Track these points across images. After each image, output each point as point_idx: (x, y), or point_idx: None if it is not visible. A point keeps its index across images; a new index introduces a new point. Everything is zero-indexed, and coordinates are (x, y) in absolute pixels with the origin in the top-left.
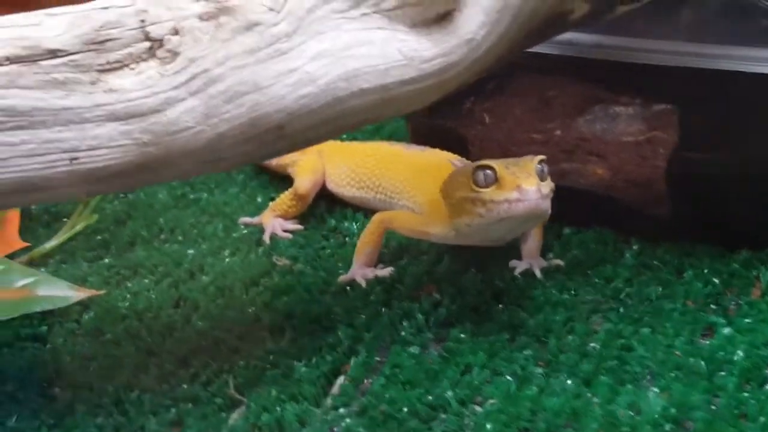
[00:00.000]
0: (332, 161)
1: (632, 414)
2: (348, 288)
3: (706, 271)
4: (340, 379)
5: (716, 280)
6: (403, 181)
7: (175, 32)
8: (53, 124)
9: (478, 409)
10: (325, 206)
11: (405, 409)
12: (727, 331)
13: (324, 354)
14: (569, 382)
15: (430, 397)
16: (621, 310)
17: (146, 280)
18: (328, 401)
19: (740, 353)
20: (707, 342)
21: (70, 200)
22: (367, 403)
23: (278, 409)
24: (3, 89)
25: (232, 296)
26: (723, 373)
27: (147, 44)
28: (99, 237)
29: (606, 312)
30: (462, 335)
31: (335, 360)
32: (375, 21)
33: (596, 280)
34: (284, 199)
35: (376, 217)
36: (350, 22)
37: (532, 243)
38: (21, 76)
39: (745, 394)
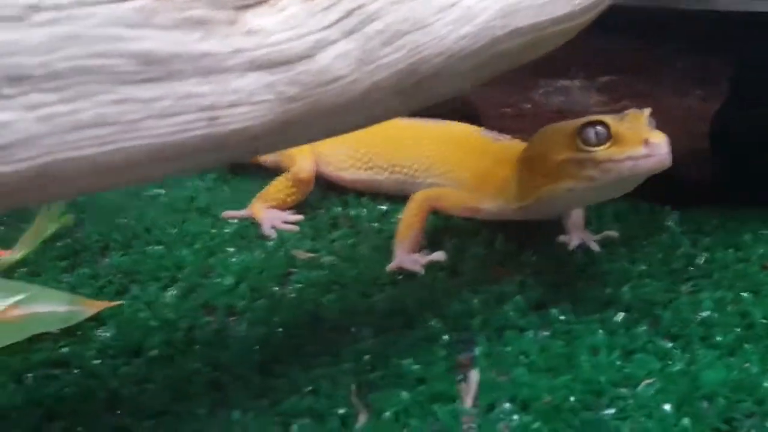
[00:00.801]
0: (326, 142)
1: None
2: (400, 277)
3: (765, 232)
4: (474, 375)
5: None
6: (430, 157)
7: None
8: (191, 75)
9: (638, 390)
10: (319, 193)
11: (572, 398)
12: None
13: (431, 348)
14: (712, 354)
15: (582, 384)
16: (712, 276)
17: (152, 287)
18: (471, 399)
19: None
20: None
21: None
22: (523, 396)
23: (419, 411)
24: (137, 29)
25: (272, 296)
26: None
27: None
28: (60, 243)
29: (695, 280)
30: (563, 316)
31: (449, 354)
32: None
33: (655, 250)
34: (280, 187)
35: (417, 197)
36: None
37: (577, 217)
38: (156, 13)
39: None
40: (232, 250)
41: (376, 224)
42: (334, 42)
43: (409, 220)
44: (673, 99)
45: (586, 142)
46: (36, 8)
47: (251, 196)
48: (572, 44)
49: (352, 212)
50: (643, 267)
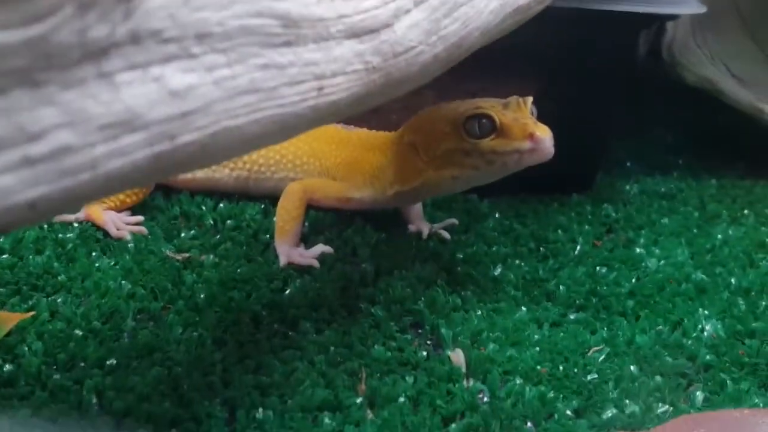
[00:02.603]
0: None
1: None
2: (293, 272)
3: (572, 214)
4: (459, 353)
5: (586, 222)
6: (279, 150)
7: None
8: (310, 41)
9: (587, 356)
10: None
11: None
12: (655, 260)
13: (391, 334)
14: (622, 320)
15: (546, 353)
16: (568, 254)
17: (38, 297)
18: (470, 380)
19: (698, 274)
20: (656, 271)
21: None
22: (510, 367)
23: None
24: None
25: (181, 296)
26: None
27: None
28: None
29: (557, 258)
30: (477, 297)
31: (410, 338)
32: None
33: (499, 234)
34: None
35: (293, 189)
36: None
37: (417, 207)
38: None
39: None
40: (93, 254)
41: (229, 222)
42: (408, 11)
43: (288, 214)
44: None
45: (470, 134)
46: None
47: None
48: None
49: (193, 210)
50: (503, 249)
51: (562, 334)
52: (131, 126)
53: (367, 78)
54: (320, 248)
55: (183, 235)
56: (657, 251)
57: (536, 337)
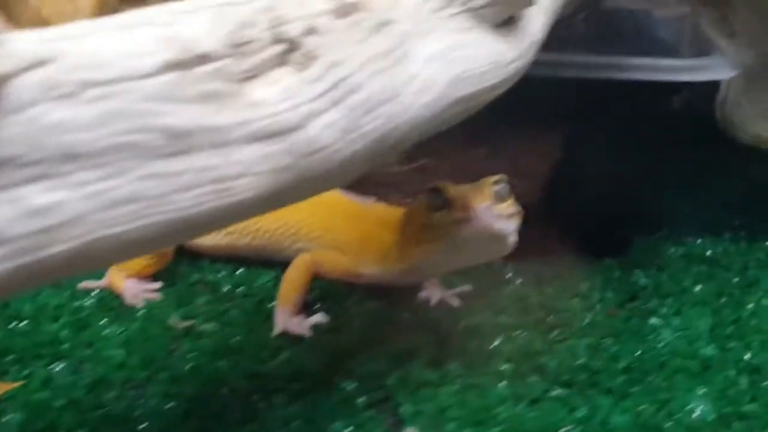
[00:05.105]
0: None
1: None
2: (285, 342)
3: (597, 280)
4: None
5: (610, 288)
6: (297, 222)
7: (310, 32)
8: (207, 148)
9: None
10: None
11: None
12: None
13: (353, 411)
14: (606, 399)
15: None
16: (572, 325)
17: (37, 366)
18: None
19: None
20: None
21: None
22: None
23: None
24: (166, 103)
25: (168, 367)
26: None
27: (280, 47)
28: None
29: (559, 328)
30: (461, 371)
31: (376, 415)
32: (465, 21)
33: (511, 301)
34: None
35: (300, 261)
36: (446, 21)
37: None
38: (178, 87)
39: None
40: (104, 321)
41: (240, 289)
42: (322, 112)
43: (292, 283)
44: (464, 156)
45: (431, 207)
46: (88, 84)
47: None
48: None
49: (210, 277)
50: (507, 319)
51: (534, 413)
52: None
53: (277, 177)
54: (316, 318)
55: (196, 301)
56: (676, 322)
57: (505, 415)
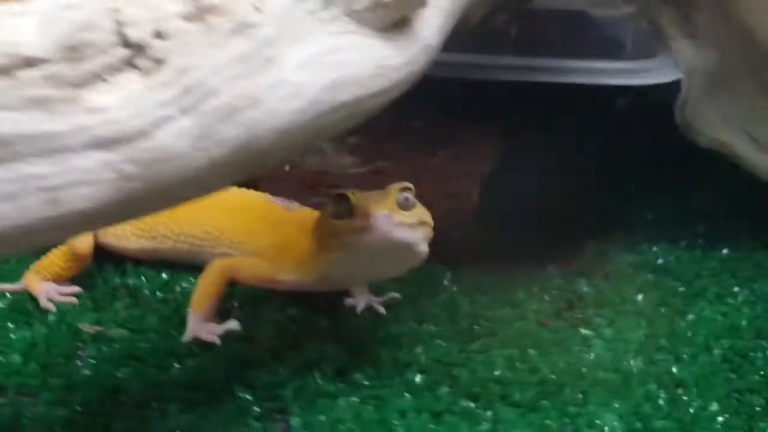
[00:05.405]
0: None
1: None
2: (194, 348)
3: (535, 289)
4: None
5: (547, 297)
6: (218, 227)
7: (158, 35)
8: (33, 155)
9: None
10: (95, 262)
11: None
12: (600, 342)
13: (245, 421)
14: (514, 412)
15: None
16: (497, 335)
17: None
18: None
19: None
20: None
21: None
22: None
23: None
24: None
25: (66, 373)
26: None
27: (126, 51)
28: None
29: (482, 338)
30: (367, 381)
31: (265, 427)
32: (345, 24)
33: (438, 310)
34: (55, 260)
35: (216, 266)
36: (323, 24)
37: None
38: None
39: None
40: (11, 326)
41: (159, 294)
42: (172, 119)
43: (205, 289)
44: (421, 159)
45: (335, 215)
46: None
47: (20, 267)
48: None
49: (132, 282)
50: (432, 327)
51: (434, 426)
52: None
53: (122, 185)
54: (228, 325)
55: (114, 306)
56: (608, 333)
57: (402, 429)
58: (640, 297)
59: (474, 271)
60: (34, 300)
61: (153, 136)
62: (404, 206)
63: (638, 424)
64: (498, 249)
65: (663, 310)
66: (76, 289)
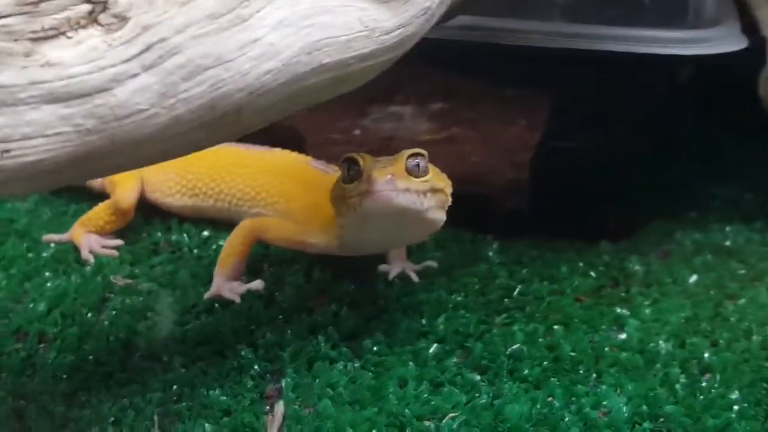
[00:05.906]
0: (154, 168)
1: (604, 416)
2: (216, 305)
3: (581, 264)
4: (279, 407)
5: (593, 273)
6: (255, 187)
7: None
8: None
9: (442, 424)
10: (141, 218)
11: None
12: (635, 323)
13: (240, 379)
14: (518, 387)
15: (387, 417)
16: (526, 309)
17: None
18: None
19: (662, 343)
20: (624, 336)
21: None
22: (327, 429)
23: None
24: None
25: (85, 323)
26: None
27: (87, 7)
28: None
29: (509, 312)
30: (375, 347)
31: (257, 385)
32: None
33: (475, 280)
34: (100, 213)
35: (244, 226)
36: None
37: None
38: None
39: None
40: (48, 274)
41: (196, 250)
42: (133, 76)
43: (232, 248)
44: (499, 127)
45: (343, 179)
46: None
47: (74, 219)
48: (404, 72)
49: (174, 238)
50: (460, 298)
51: (429, 396)
52: None
53: (81, 140)
54: (253, 285)
55: (151, 260)
56: (646, 313)
57: (393, 397)
58: (693, 278)
59: (523, 243)
60: (77, 251)
61: (113, 92)
62: (413, 172)
63: (645, 408)
64: (551, 221)
65: (712, 293)
66: (118, 242)
